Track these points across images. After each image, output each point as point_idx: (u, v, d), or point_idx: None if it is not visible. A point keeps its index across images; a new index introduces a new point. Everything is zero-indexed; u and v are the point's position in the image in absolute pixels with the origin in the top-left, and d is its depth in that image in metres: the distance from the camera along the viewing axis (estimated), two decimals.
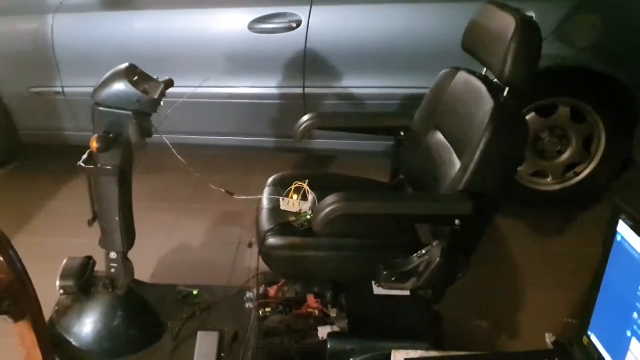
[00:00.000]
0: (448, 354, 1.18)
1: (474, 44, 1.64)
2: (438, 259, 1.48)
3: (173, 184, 3.05)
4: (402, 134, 1.92)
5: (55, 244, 2.54)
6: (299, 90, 2.64)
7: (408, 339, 1.65)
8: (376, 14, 2.54)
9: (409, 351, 1.15)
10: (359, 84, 2.61)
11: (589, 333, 1.06)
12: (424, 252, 1.53)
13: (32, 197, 2.94)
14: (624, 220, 0.93)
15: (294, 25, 2.54)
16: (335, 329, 1.75)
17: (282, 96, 2.67)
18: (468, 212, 1.39)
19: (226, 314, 2.00)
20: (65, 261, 1.83)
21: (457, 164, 1.56)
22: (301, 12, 2.54)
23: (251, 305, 1.88)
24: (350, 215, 1.44)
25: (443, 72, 1.80)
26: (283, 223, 1.65)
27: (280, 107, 2.71)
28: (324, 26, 2.55)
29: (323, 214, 1.37)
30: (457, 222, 1.41)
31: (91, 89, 1.60)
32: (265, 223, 1.67)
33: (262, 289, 1.94)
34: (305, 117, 1.90)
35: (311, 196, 1.67)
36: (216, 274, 2.36)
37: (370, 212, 1.43)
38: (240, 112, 2.76)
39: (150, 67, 1.74)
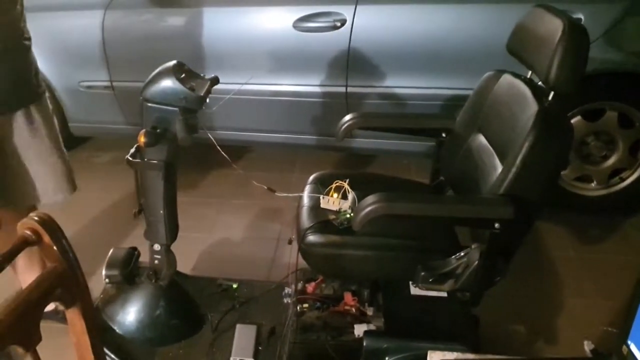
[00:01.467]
0: (485, 357, 1.17)
1: (519, 46, 1.62)
2: (476, 262, 1.48)
3: (215, 180, 3.11)
4: (443, 135, 1.91)
5: (102, 234, 2.63)
6: (342, 89, 2.66)
7: (444, 340, 1.66)
8: (421, 13, 2.54)
9: (446, 352, 1.15)
10: (402, 84, 2.61)
11: (629, 342, 1.04)
12: (462, 254, 1.53)
13: (80, 189, 3.03)
14: None
15: (339, 24, 2.55)
16: (372, 327, 1.77)
17: (324, 95, 2.69)
18: (509, 216, 1.39)
19: (264, 309, 2.04)
20: (111, 251, 1.89)
21: (499, 168, 1.55)
22: (346, 11, 2.56)
23: (289, 301, 1.91)
24: (390, 216, 1.45)
25: (487, 74, 1.79)
26: (323, 221, 1.67)
27: (323, 106, 2.73)
28: (368, 25, 2.56)
29: (363, 213, 1.38)
30: (497, 225, 1.41)
31: (138, 84, 1.66)
32: (305, 220, 1.69)
33: (300, 285, 1.97)
34: (347, 117, 1.92)
35: (351, 195, 1.68)
36: (255, 268, 2.40)
37: (411, 214, 1.43)
38: (283, 109, 2.80)
39: (196, 63, 1.79)
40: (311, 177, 1.92)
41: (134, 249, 1.94)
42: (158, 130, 1.59)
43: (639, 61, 2.42)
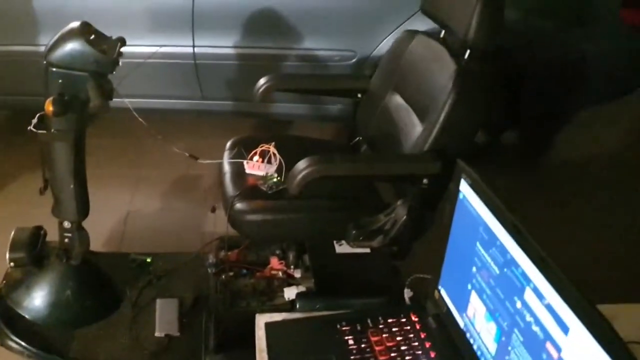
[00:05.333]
0: (310, 314, 1.17)
1: (434, 6, 1.67)
2: (404, 217, 1.53)
3: (125, 151, 2.92)
4: (359, 95, 1.93)
5: (3, 214, 2.39)
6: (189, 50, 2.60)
7: (371, 294, 1.72)
8: None
9: (273, 314, 1.14)
10: (247, 44, 2.60)
11: (439, 287, 1.11)
12: (389, 210, 1.58)
13: None
14: (464, 179, 0.98)
15: None
16: (302, 288, 1.77)
17: (173, 55, 2.61)
18: (436, 171, 1.45)
19: (184, 280, 1.99)
20: (13, 232, 1.73)
21: (418, 125, 1.61)
22: None
23: (213, 270, 1.86)
24: (320, 178, 1.45)
25: (400, 35, 1.83)
26: (250, 187, 1.64)
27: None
28: None
29: (300, 176, 1.37)
30: (425, 180, 1.46)
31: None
32: (231, 188, 1.65)
33: (222, 254, 1.93)
34: (263, 79, 1.87)
35: (278, 159, 1.66)
36: (172, 240, 2.31)
37: (347, 174, 1.45)
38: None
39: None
40: (229, 143, 1.87)
41: (40, 227, 1.79)
42: (66, 98, 1.45)
43: None
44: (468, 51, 1.52)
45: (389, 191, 1.71)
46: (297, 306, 1.68)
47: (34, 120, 1.52)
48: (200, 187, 2.65)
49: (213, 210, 1.76)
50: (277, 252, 1.93)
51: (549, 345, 0.79)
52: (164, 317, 1.84)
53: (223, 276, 1.84)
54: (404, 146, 1.64)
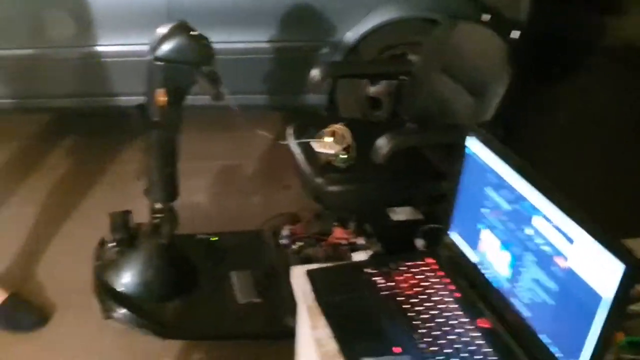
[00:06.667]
0: (338, 263, 1.37)
1: None
2: None
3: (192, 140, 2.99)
4: (401, 78, 2.15)
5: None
6: None
7: None
8: None
9: (306, 265, 1.29)
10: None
11: (449, 233, 1.27)
12: None
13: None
14: (474, 137, 1.18)
15: None
16: (369, 252, 1.98)
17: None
18: (501, 137, 1.67)
19: (251, 254, 2.16)
20: (110, 216, 1.89)
21: (470, 100, 1.83)
22: None
23: (287, 241, 2.05)
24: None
25: (441, 25, 2.05)
26: (325, 164, 1.83)
27: None
28: None
29: (388, 147, 1.58)
30: None
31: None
32: (308, 166, 1.84)
33: (287, 227, 2.12)
34: (316, 69, 2.05)
35: (349, 137, 1.86)
36: (227, 220, 2.48)
37: (426, 144, 1.67)
38: None
39: None
40: (292, 126, 2.05)
41: (129, 211, 1.94)
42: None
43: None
44: (516, 32, 1.76)
45: (440, 161, 1.92)
46: None
47: (134, 112, 1.68)
48: (247, 173, 2.75)
49: (288, 187, 1.93)
50: (335, 223, 2.13)
51: (557, 258, 0.95)
52: (243, 287, 2.02)
53: (295, 246, 2.03)
54: (459, 119, 1.86)
